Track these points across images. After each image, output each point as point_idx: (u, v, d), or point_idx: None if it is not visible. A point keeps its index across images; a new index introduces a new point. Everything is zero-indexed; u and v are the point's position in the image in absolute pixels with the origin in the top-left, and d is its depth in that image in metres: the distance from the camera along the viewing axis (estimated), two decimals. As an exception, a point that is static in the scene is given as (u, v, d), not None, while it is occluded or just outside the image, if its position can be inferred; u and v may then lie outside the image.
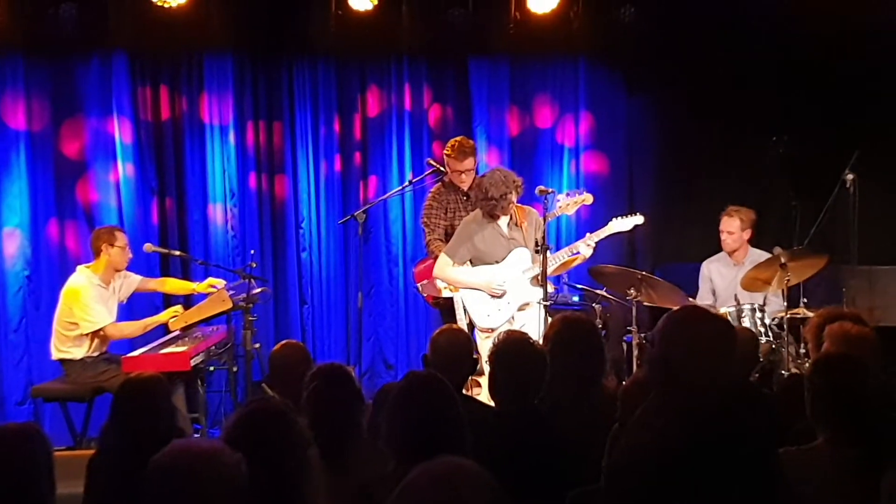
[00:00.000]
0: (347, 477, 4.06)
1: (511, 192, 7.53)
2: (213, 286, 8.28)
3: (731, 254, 8.61)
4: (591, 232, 7.99)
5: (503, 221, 7.68)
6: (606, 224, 8.04)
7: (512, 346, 4.74)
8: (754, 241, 8.68)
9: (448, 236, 8.09)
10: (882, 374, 4.54)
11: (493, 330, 7.49)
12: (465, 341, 5.54)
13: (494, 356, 4.72)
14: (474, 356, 5.58)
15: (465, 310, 7.75)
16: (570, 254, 7.82)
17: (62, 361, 8.07)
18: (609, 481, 3.71)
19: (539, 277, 7.51)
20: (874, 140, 9.11)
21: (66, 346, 8.00)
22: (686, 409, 3.26)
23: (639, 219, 8.07)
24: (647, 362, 3.65)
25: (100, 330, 7.95)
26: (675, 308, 3.78)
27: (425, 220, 8.50)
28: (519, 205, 7.75)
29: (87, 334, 7.94)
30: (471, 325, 7.63)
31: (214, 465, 2.95)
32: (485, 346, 7.43)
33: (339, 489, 3.98)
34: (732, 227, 8.55)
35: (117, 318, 8.18)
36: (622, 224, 8.03)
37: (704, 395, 3.30)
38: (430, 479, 2.61)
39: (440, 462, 2.66)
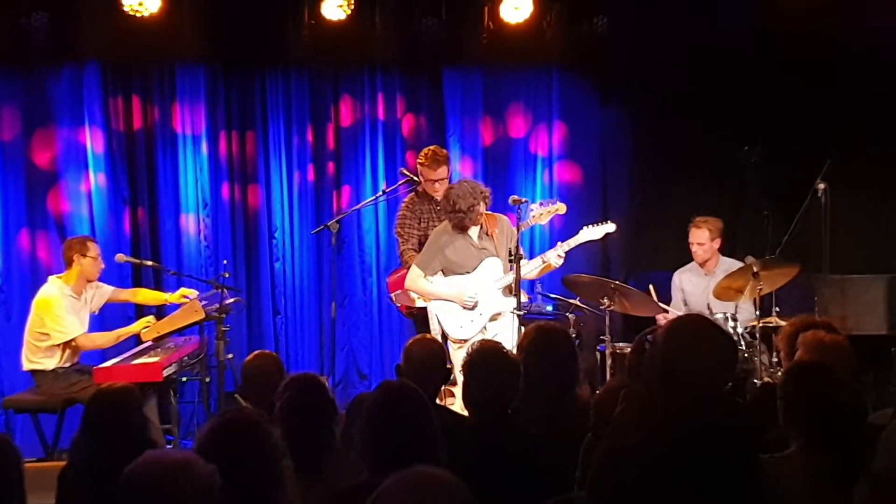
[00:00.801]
0: (321, 487, 4.05)
1: (479, 203, 7.54)
2: (186, 296, 8.26)
3: (702, 264, 8.64)
4: (566, 240, 8.00)
5: (474, 231, 7.69)
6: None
7: (485, 355, 4.74)
8: (727, 250, 8.70)
9: (422, 246, 8.08)
10: (855, 383, 4.56)
11: (465, 341, 7.48)
12: (439, 351, 5.53)
13: (468, 366, 4.72)
14: (447, 366, 5.58)
15: (438, 320, 7.74)
16: (541, 263, 7.82)
17: (33, 372, 8.02)
18: (591, 489, 3.71)
19: (511, 287, 7.52)
20: (845, 149, 9.16)
21: (37, 356, 7.95)
22: (677, 417, 3.27)
23: (610, 227, 8.08)
24: (644, 364, 3.66)
25: (71, 340, 7.91)
26: (680, 315, 3.81)
27: (399, 229, 8.49)
28: (490, 213, 7.76)
29: (58, 345, 7.90)
30: (444, 336, 7.63)
31: (187, 476, 2.93)
32: (458, 356, 7.42)
33: (313, 499, 3.97)
34: (702, 239, 8.57)
35: (89, 329, 8.14)
36: (593, 232, 8.03)
37: (700, 400, 3.31)
38: (404, 488, 2.61)
39: (414, 472, 2.66)
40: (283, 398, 4.56)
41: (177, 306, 8.26)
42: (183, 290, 8.40)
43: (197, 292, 8.29)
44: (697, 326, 3.64)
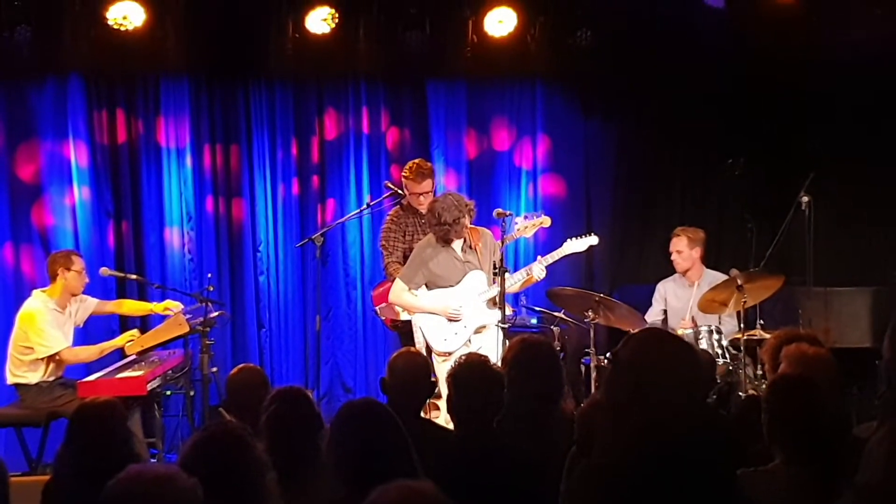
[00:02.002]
0: (305, 500, 4.04)
1: (463, 216, 7.53)
2: (170, 309, 8.24)
3: (683, 274, 8.65)
4: (549, 253, 8.01)
5: (457, 245, 7.68)
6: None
7: (470, 368, 4.74)
8: (711, 263, 8.73)
9: (407, 259, 8.08)
10: (840, 395, 4.57)
11: (449, 354, 7.48)
12: (423, 364, 5.53)
13: (452, 378, 4.72)
14: (432, 379, 5.58)
15: (422, 333, 7.74)
16: (525, 275, 7.82)
17: (17, 386, 7.99)
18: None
19: (495, 300, 7.52)
20: (829, 162, 9.21)
21: (21, 370, 7.92)
22: (648, 431, 3.27)
23: (593, 239, 8.10)
24: (608, 382, 3.65)
25: (55, 354, 7.88)
26: (638, 329, 3.79)
27: (384, 242, 8.49)
28: (473, 226, 7.75)
29: (42, 359, 7.87)
30: (429, 349, 7.62)
31: (171, 490, 2.92)
32: (442, 369, 7.42)
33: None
34: (680, 247, 8.59)
35: (73, 343, 8.11)
36: (577, 245, 8.04)
37: (672, 415, 3.31)
38: (386, 502, 2.61)
39: (396, 486, 2.66)
40: (269, 411, 4.55)
41: (161, 319, 8.25)
42: (167, 303, 8.39)
43: (181, 305, 8.27)
44: (660, 340, 3.61)
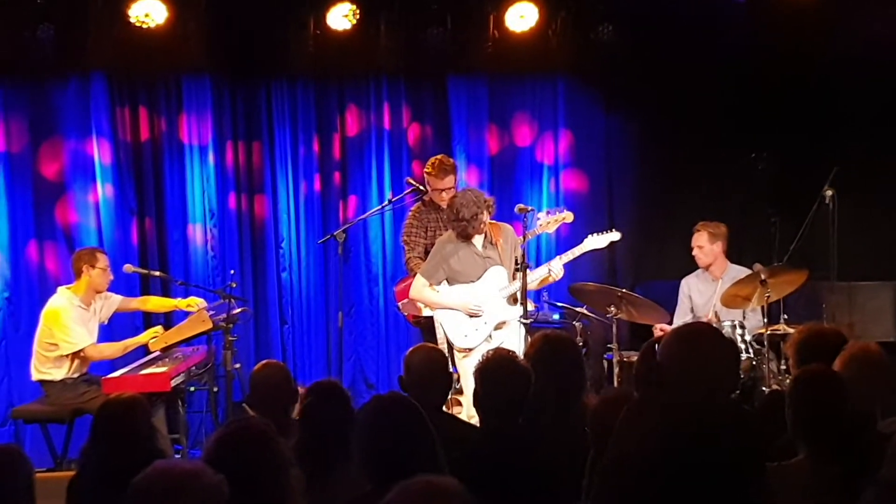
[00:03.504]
0: (332, 495, 4.05)
1: (482, 212, 7.52)
2: (193, 306, 8.26)
3: (706, 269, 8.61)
4: (570, 249, 7.99)
5: (478, 240, 7.66)
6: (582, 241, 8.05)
7: (498, 363, 4.74)
8: (734, 258, 8.68)
9: (428, 255, 8.08)
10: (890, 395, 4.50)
11: (470, 350, 7.49)
12: (439, 359, 5.52)
13: (480, 373, 4.73)
14: (451, 372, 5.57)
15: (443, 329, 7.73)
16: (544, 272, 7.80)
17: (42, 383, 8.04)
18: (594, 499, 3.70)
19: (515, 296, 7.51)
20: (853, 156, 9.16)
21: (46, 367, 7.97)
22: (675, 425, 3.27)
23: (615, 235, 8.08)
24: (643, 375, 3.66)
25: (80, 351, 7.93)
26: (662, 324, 3.80)
27: (405, 238, 8.49)
28: (493, 222, 7.74)
29: (67, 355, 7.92)
30: (450, 345, 7.62)
31: (195, 486, 2.94)
32: (463, 365, 7.43)
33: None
34: (701, 242, 8.55)
35: (98, 340, 8.15)
36: (598, 241, 8.01)
37: (699, 410, 3.31)
38: (408, 498, 2.61)
39: (418, 481, 2.66)
40: (305, 403, 4.58)
41: (184, 316, 8.28)
42: (191, 299, 8.41)
43: (205, 302, 8.30)
44: (695, 336, 3.62)
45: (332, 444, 4.41)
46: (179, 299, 8.62)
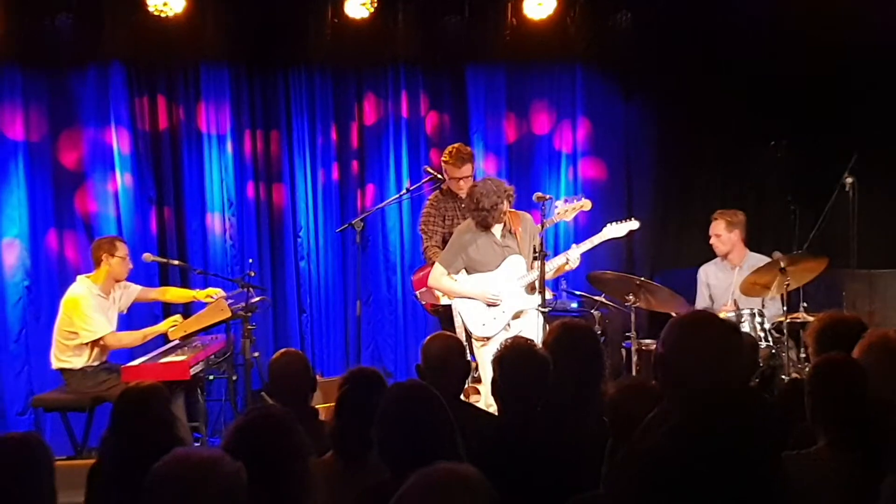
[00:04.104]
0: (364, 479, 4.06)
1: (502, 202, 7.51)
2: (211, 296, 8.28)
3: (724, 257, 8.59)
4: (589, 238, 7.98)
5: (497, 229, 7.65)
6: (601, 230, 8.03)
7: (517, 351, 4.74)
8: (753, 246, 8.66)
9: (446, 243, 8.07)
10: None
11: (488, 338, 7.49)
12: (456, 347, 5.53)
13: (499, 361, 4.73)
14: (468, 360, 5.57)
15: (461, 318, 7.73)
16: (562, 261, 7.79)
17: (62, 371, 8.07)
18: (609, 488, 3.70)
19: (534, 284, 7.51)
20: (873, 143, 9.12)
21: (65, 355, 8.00)
22: (688, 414, 3.26)
23: (633, 224, 8.05)
24: (653, 367, 3.64)
25: (99, 339, 7.96)
26: (680, 313, 3.78)
27: (423, 227, 8.49)
28: (513, 211, 7.73)
29: (86, 344, 7.95)
30: (468, 333, 7.62)
31: (215, 473, 2.95)
32: (481, 354, 7.43)
33: (357, 490, 3.97)
34: (719, 230, 8.53)
35: (117, 328, 8.18)
36: (617, 230, 7.99)
37: (707, 399, 3.30)
38: (427, 486, 2.62)
39: (436, 469, 2.66)
40: (342, 390, 4.59)
41: (203, 305, 8.30)
42: (210, 290, 8.43)
43: (223, 292, 8.32)
44: (696, 326, 3.59)
45: (366, 430, 4.41)
46: (198, 290, 8.64)
